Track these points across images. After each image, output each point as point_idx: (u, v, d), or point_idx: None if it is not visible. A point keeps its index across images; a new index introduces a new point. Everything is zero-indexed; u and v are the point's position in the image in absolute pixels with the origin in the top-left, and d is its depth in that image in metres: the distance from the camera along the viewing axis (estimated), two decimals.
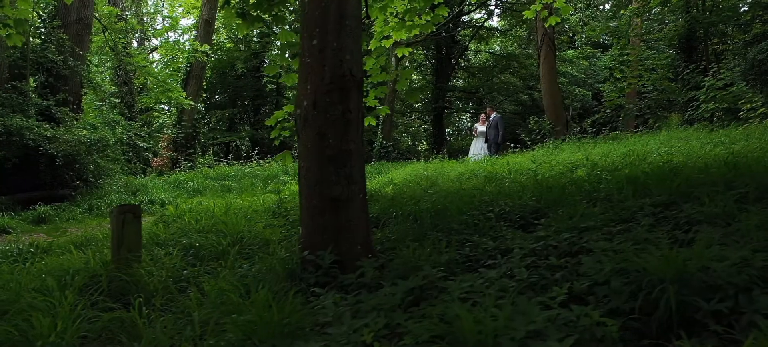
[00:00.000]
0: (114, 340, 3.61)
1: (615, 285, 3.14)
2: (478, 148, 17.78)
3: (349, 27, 4.59)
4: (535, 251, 4.13)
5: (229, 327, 3.13)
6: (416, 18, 8.63)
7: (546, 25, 10.61)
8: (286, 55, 7.20)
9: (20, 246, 6.67)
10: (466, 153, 18.44)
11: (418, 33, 9.00)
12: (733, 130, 10.51)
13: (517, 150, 15.99)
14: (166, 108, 26.45)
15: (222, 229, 5.95)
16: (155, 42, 32.98)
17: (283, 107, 7.81)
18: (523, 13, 9.72)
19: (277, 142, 7.97)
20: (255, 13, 6.67)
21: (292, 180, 17.32)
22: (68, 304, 3.76)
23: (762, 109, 10.79)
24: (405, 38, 8.82)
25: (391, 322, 3.23)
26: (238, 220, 6.32)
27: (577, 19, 27.16)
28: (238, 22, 7.11)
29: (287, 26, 7.81)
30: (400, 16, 8.61)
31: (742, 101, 11.53)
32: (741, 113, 11.29)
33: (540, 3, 9.73)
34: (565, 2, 9.25)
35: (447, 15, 8.96)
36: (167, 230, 6.59)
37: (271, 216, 7.33)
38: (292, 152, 20.87)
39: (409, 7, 8.46)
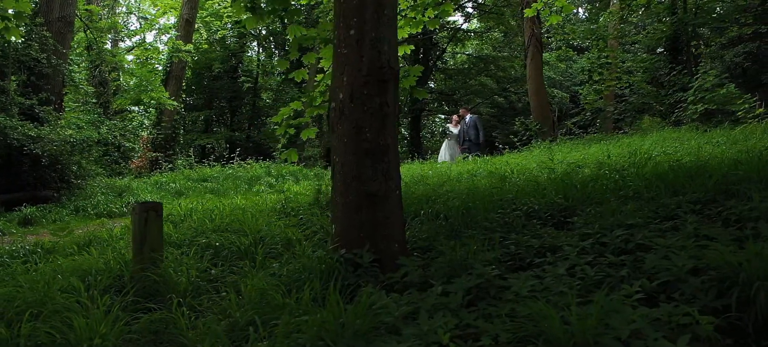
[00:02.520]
0: (157, 343, 3.38)
1: (694, 282, 3.03)
2: (455, 151, 17.70)
3: (388, 17, 4.42)
4: (585, 249, 4.01)
5: (303, 328, 2.92)
6: (419, 15, 8.49)
7: (547, 23, 10.57)
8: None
9: (27, 247, 6.32)
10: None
11: (420, 30, 8.86)
12: (729, 130, 10.59)
13: (506, 150, 15.96)
14: (138, 109, 25.88)
15: (238, 228, 5.72)
16: (129, 42, 32.25)
17: (289, 104, 7.60)
18: (524, 11, 9.66)
19: (283, 140, 7.75)
20: (270, 8, 6.42)
21: (276, 181, 17.03)
22: (103, 305, 3.52)
23: (760, 110, 10.91)
24: (406, 36, 8.67)
25: (460, 322, 3.07)
26: (253, 219, 6.07)
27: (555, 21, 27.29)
28: (246, 16, 6.87)
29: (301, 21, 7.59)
30: (403, 14, 8.46)
31: (740, 101, 11.66)
32: (739, 113, 11.40)
33: (541, 2, 9.70)
34: (567, 2, 9.20)
35: (452, 11, 8.84)
36: (178, 230, 6.31)
37: (278, 215, 7.08)
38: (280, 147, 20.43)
39: (414, 3, 8.32)
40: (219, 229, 5.92)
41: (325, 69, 7.59)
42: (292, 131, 7.71)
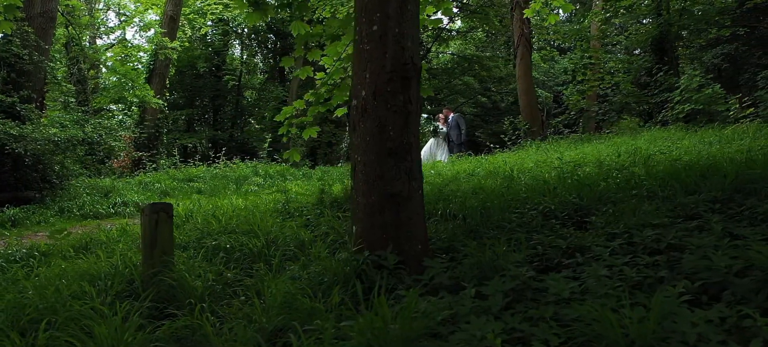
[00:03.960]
0: None
1: (742, 283, 2.98)
2: (445, 149, 17.72)
3: (411, 12, 4.32)
4: (615, 250, 3.95)
5: (350, 333, 2.81)
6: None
7: (545, 23, 10.57)
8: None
9: (23, 250, 6.08)
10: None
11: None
12: (719, 130, 10.68)
13: (497, 150, 15.96)
14: (117, 107, 25.45)
15: (247, 229, 5.57)
16: (107, 39, 31.68)
17: (293, 103, 7.47)
18: (523, 11, 9.62)
19: (284, 139, 7.61)
20: (276, 2, 6.27)
21: (264, 180, 16.82)
22: (122, 312, 3.38)
23: (750, 109, 11.05)
24: None
25: (505, 326, 2.98)
26: (262, 220, 5.92)
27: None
28: (248, 11, 6.72)
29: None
30: None
31: (733, 101, 11.80)
32: (730, 113, 11.54)
33: (540, 2, 9.65)
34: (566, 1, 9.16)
35: (452, 7, 8.76)
36: (181, 232, 6.13)
37: (281, 216, 6.93)
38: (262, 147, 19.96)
39: None
40: (226, 230, 5.77)
41: (327, 67, 7.48)
42: (294, 130, 7.58)
